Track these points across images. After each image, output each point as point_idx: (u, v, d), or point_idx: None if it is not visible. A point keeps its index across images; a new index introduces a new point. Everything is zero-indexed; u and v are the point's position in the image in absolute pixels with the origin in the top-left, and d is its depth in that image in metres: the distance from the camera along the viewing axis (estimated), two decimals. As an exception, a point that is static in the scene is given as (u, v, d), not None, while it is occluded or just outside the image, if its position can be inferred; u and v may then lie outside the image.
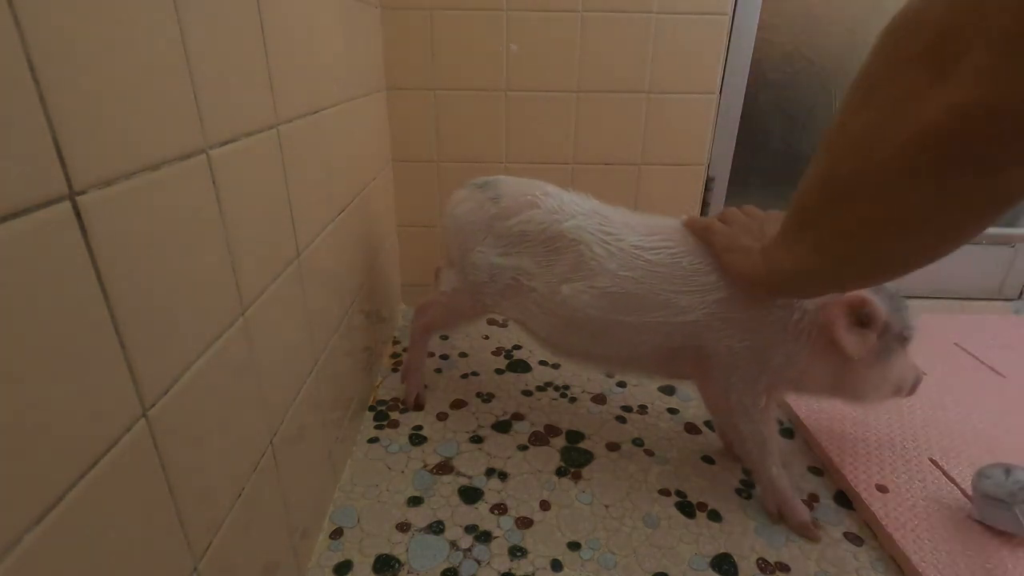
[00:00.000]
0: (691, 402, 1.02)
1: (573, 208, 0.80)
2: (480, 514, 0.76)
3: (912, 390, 0.78)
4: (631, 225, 0.78)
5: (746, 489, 0.82)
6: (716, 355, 0.74)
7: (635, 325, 0.75)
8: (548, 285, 0.79)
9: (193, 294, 0.41)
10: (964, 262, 1.40)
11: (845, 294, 0.69)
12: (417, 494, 0.79)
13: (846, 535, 0.74)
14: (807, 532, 0.75)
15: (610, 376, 1.08)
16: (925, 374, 0.80)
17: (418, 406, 0.98)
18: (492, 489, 0.80)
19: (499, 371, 1.09)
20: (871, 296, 0.69)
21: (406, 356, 1.03)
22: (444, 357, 1.14)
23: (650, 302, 0.74)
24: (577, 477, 0.83)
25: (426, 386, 1.04)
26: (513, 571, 0.68)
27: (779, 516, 0.77)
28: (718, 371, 0.75)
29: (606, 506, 0.78)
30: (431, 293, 0.97)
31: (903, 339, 0.73)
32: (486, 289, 0.84)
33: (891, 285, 0.72)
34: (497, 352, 1.16)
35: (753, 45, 1.18)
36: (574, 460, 0.87)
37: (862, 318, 0.69)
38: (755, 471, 0.79)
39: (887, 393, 0.77)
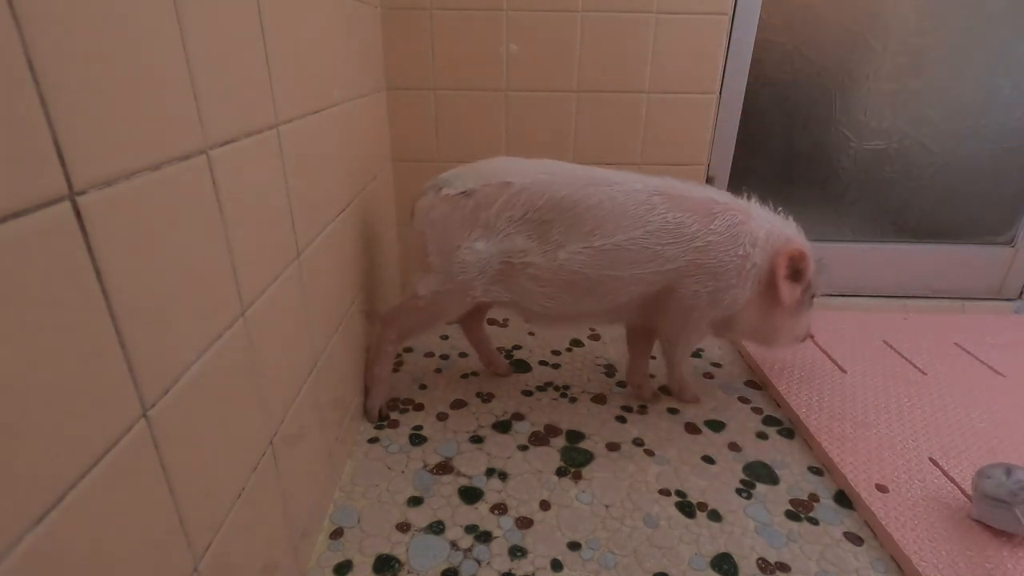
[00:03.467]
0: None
1: (548, 175, 0.83)
2: (480, 514, 0.76)
3: (805, 338, 1.01)
4: (615, 181, 0.84)
5: (746, 489, 0.82)
6: (682, 298, 0.85)
7: (626, 278, 0.84)
8: (544, 256, 0.83)
9: (193, 294, 0.41)
10: (964, 262, 1.40)
11: (790, 247, 0.85)
12: (417, 494, 0.79)
13: (846, 535, 0.74)
14: (693, 400, 1.00)
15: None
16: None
17: (383, 416, 0.94)
18: (492, 489, 0.80)
19: (501, 375, 1.09)
20: (809, 253, 0.85)
21: (374, 367, 0.95)
22: (444, 357, 1.14)
23: (642, 256, 0.82)
24: (577, 477, 0.83)
25: (424, 386, 1.04)
26: (513, 571, 0.68)
27: (678, 392, 1.00)
28: (680, 311, 0.87)
29: (606, 506, 0.78)
30: (398, 300, 0.95)
31: (812, 297, 0.92)
32: (477, 282, 0.85)
33: (817, 251, 0.90)
34: (497, 352, 1.16)
35: (753, 45, 1.18)
36: (574, 460, 0.87)
37: (795, 272, 0.86)
38: (673, 366, 0.98)
39: (791, 340, 0.98)
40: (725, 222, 0.83)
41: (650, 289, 0.85)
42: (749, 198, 0.90)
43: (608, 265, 0.82)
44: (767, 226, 0.86)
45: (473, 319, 1.04)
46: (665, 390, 1.05)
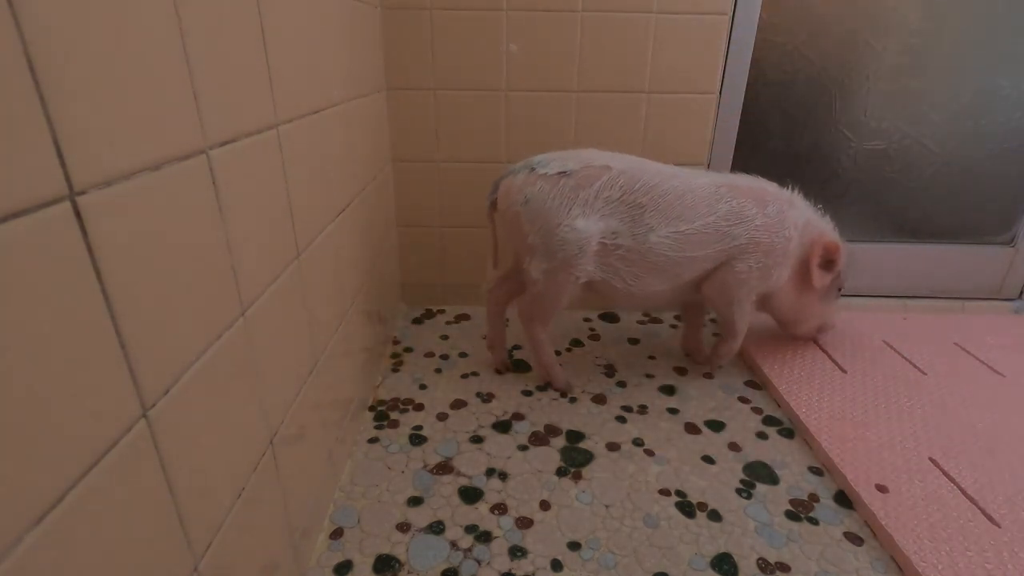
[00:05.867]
0: (691, 402, 1.02)
1: (639, 164, 0.92)
2: (480, 514, 0.76)
3: (830, 328, 1.16)
4: (687, 175, 0.93)
5: (746, 489, 0.82)
6: (738, 272, 0.94)
7: (700, 257, 0.93)
8: (635, 238, 0.90)
9: (193, 294, 0.41)
10: (964, 262, 1.40)
11: (827, 238, 0.98)
12: (417, 494, 0.79)
13: (846, 535, 0.74)
14: (721, 359, 1.09)
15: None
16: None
17: (564, 392, 1.03)
18: (492, 489, 0.80)
19: (499, 371, 1.09)
20: (843, 247, 0.98)
21: (541, 358, 1.03)
22: (444, 357, 1.14)
23: (714, 236, 0.92)
24: (577, 477, 0.83)
25: (424, 386, 1.04)
26: (513, 571, 0.68)
27: (720, 357, 1.08)
28: (733, 284, 0.96)
29: (606, 506, 0.78)
30: (526, 295, 0.99)
31: (839, 288, 1.06)
32: (577, 260, 0.89)
33: (851, 245, 1.03)
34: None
35: (753, 45, 1.18)
36: (574, 460, 0.87)
37: (828, 262, 0.99)
38: (734, 334, 1.05)
39: (817, 327, 1.13)
40: (775, 208, 0.94)
41: (712, 265, 0.95)
42: (792, 189, 1.00)
43: (689, 247, 0.91)
44: (806, 216, 0.98)
45: (502, 298, 1.06)
46: (667, 389, 1.05)
